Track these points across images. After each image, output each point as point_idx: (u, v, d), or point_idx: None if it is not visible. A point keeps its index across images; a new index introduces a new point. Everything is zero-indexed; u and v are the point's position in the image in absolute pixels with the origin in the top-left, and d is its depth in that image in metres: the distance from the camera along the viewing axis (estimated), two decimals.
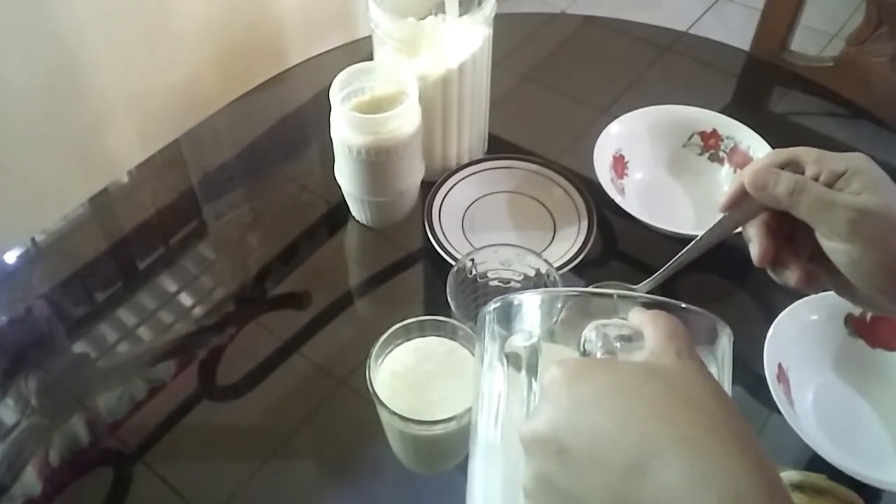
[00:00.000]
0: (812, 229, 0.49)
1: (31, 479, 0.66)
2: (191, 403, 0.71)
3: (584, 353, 0.41)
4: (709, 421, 0.33)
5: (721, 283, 0.79)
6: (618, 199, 0.78)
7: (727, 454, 0.32)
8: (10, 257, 0.82)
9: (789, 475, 0.58)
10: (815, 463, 0.60)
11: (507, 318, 0.44)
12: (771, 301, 0.73)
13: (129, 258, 0.85)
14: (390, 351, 0.59)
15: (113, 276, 0.82)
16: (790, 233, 0.52)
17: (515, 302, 0.43)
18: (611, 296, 0.42)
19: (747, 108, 0.99)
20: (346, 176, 0.79)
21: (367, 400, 0.58)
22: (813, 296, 0.69)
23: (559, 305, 0.43)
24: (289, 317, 0.78)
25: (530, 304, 0.43)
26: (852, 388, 0.69)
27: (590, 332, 0.41)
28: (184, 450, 0.68)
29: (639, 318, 0.39)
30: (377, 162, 0.75)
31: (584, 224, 0.79)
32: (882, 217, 0.46)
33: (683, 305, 0.41)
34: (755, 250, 0.52)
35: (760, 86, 1.06)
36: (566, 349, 0.42)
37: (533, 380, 0.42)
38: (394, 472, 0.64)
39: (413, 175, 0.80)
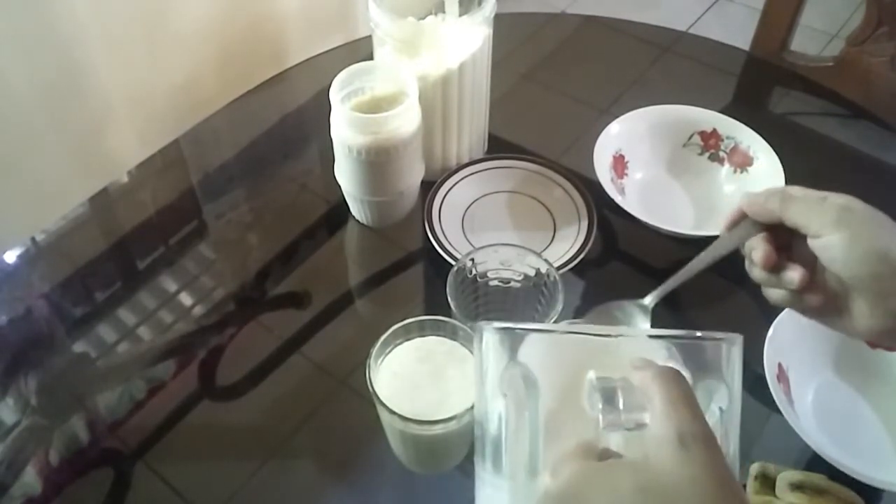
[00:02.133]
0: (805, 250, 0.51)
1: (31, 479, 0.66)
2: (191, 403, 0.71)
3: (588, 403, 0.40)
4: None
5: (721, 283, 0.79)
6: (618, 199, 0.78)
7: None
8: (10, 257, 0.82)
9: (789, 475, 0.58)
10: (815, 463, 0.60)
11: (506, 344, 0.43)
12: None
13: (129, 258, 0.85)
14: (390, 351, 0.59)
15: (113, 276, 0.82)
16: (787, 255, 0.54)
17: (516, 332, 0.43)
18: (615, 336, 0.42)
19: (747, 108, 0.99)
20: (346, 176, 0.79)
21: (367, 400, 0.58)
22: None
23: (559, 339, 0.43)
24: (289, 317, 0.78)
25: (530, 339, 0.43)
26: (852, 388, 0.69)
27: (593, 392, 0.40)
28: (184, 450, 0.68)
29: (642, 378, 0.38)
30: (377, 162, 0.75)
31: (584, 224, 0.79)
32: (863, 211, 0.50)
33: (695, 334, 0.41)
34: (759, 254, 0.54)
35: (760, 86, 1.06)
36: (565, 385, 0.42)
37: (532, 415, 0.42)
38: (394, 472, 0.64)
39: (413, 175, 0.80)
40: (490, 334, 0.43)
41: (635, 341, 0.44)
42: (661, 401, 0.37)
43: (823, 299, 0.52)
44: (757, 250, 0.54)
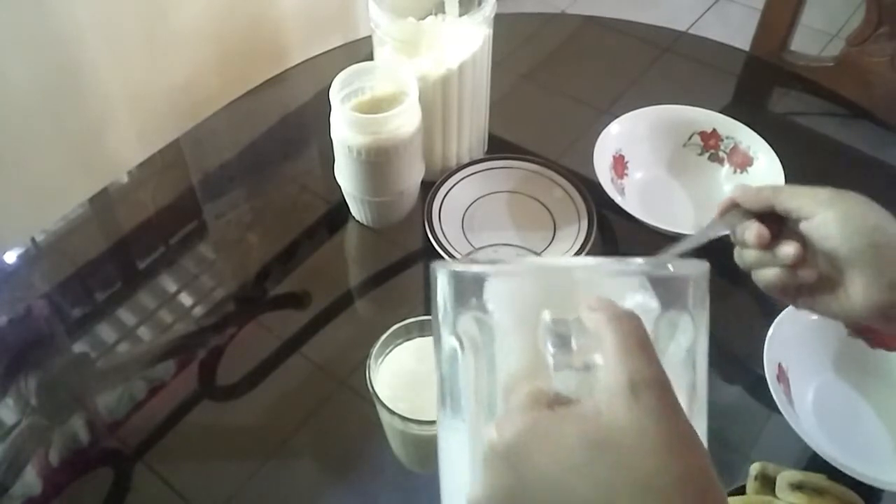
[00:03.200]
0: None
1: (31, 479, 0.66)
2: (191, 403, 0.71)
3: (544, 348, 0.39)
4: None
5: (721, 283, 0.79)
6: (618, 199, 0.78)
7: None
8: (10, 257, 0.82)
9: (789, 475, 0.58)
10: (815, 463, 0.60)
11: (459, 290, 0.41)
12: (771, 301, 0.73)
13: (129, 258, 0.85)
14: (390, 351, 0.59)
15: (113, 276, 0.82)
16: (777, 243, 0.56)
17: (469, 275, 0.41)
18: (569, 271, 0.42)
19: (747, 108, 0.99)
20: (346, 176, 0.79)
21: (367, 400, 0.58)
22: None
23: (517, 279, 0.42)
24: (289, 317, 0.78)
25: (485, 281, 0.41)
26: (852, 388, 0.69)
27: (546, 333, 0.39)
28: (184, 450, 0.68)
29: (593, 320, 0.37)
30: (377, 162, 0.75)
31: (584, 224, 0.79)
32: (856, 195, 0.52)
33: (642, 261, 0.40)
34: (752, 232, 0.55)
35: (760, 86, 1.06)
36: (521, 327, 0.40)
37: (489, 358, 0.40)
38: (394, 472, 0.64)
39: (413, 175, 0.80)
40: (444, 276, 0.41)
41: (599, 276, 0.42)
42: (614, 346, 0.35)
43: (817, 274, 0.53)
44: (750, 230, 0.55)
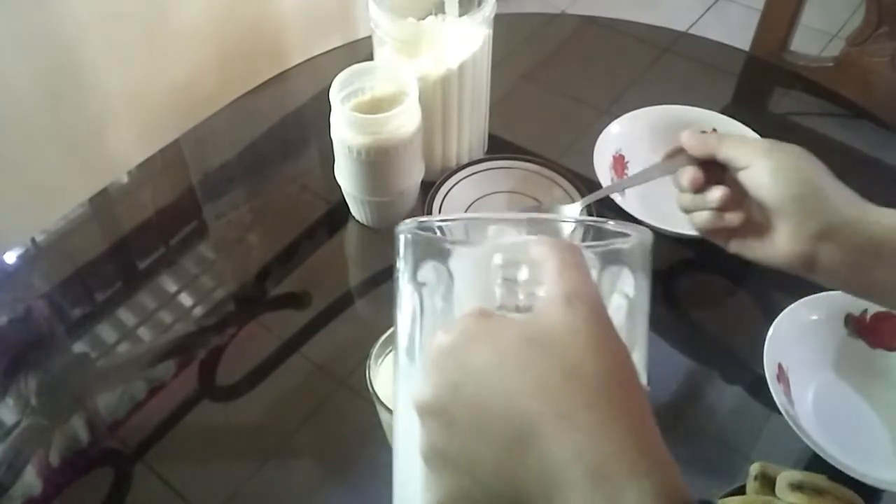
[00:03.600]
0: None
1: (31, 479, 0.66)
2: (191, 403, 0.71)
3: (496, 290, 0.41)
4: (586, 393, 0.34)
5: (721, 283, 0.79)
6: (618, 200, 0.78)
7: (599, 426, 0.33)
8: (10, 257, 0.82)
9: (789, 475, 0.58)
10: (815, 463, 0.60)
11: (420, 243, 0.43)
12: (771, 301, 0.73)
13: (129, 258, 0.85)
14: (390, 351, 0.59)
15: (113, 276, 0.82)
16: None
17: (429, 227, 0.44)
18: (523, 220, 0.45)
19: (747, 108, 0.99)
20: (346, 176, 0.79)
21: (367, 400, 0.58)
22: (813, 296, 0.69)
23: (471, 230, 0.45)
24: (289, 317, 0.78)
25: (444, 233, 0.44)
26: (852, 388, 0.69)
27: (496, 272, 0.41)
28: (184, 450, 0.68)
29: (538, 250, 0.39)
30: (377, 162, 0.75)
31: None
32: (794, 147, 0.56)
33: (605, 222, 0.43)
34: (686, 175, 0.60)
35: (760, 86, 1.06)
36: (476, 275, 0.43)
37: (445, 301, 0.43)
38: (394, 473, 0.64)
39: (413, 175, 0.80)
40: (406, 230, 0.43)
41: (549, 225, 0.46)
42: (554, 266, 0.38)
43: (744, 217, 0.58)
44: (685, 174, 0.60)
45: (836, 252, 0.53)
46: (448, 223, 0.44)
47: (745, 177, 0.56)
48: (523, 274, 0.41)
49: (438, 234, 0.44)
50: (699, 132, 0.61)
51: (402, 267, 0.43)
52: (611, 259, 0.42)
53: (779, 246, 0.56)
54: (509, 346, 0.36)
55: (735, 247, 0.60)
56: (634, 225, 0.43)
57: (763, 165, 0.55)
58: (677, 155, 0.62)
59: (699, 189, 0.59)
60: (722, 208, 0.58)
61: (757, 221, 0.57)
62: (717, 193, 0.58)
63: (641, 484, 0.32)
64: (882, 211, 0.53)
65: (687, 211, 0.61)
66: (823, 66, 1.10)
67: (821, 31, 2.12)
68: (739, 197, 0.58)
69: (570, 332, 0.36)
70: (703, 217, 0.60)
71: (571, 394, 0.34)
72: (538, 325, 0.36)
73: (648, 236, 0.42)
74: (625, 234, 0.43)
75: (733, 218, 0.58)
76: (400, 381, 0.43)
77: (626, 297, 0.42)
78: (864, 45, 1.07)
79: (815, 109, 1.01)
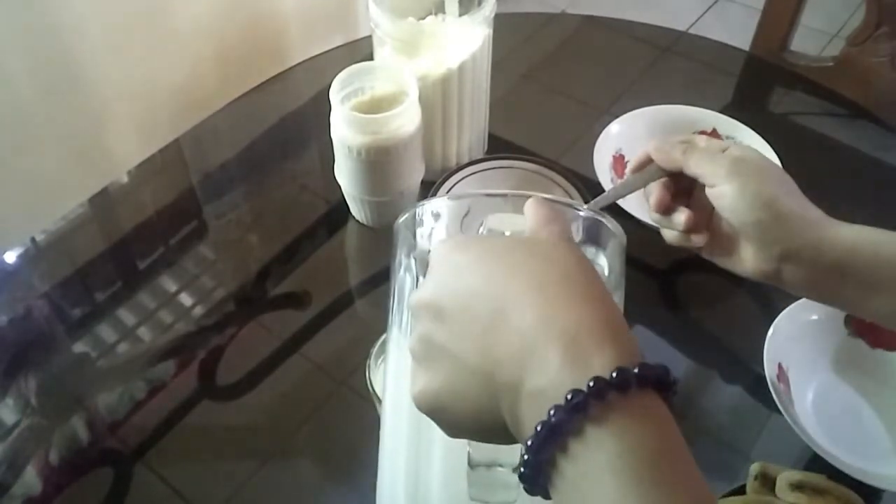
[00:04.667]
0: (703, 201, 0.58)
1: (31, 479, 0.66)
2: (191, 403, 0.71)
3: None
4: (563, 275, 0.37)
5: (721, 283, 0.79)
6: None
7: (572, 299, 0.35)
8: (10, 257, 0.82)
9: (789, 475, 0.58)
10: (815, 463, 0.60)
11: (415, 226, 0.46)
12: (771, 301, 0.73)
13: (129, 258, 0.85)
14: None
15: (113, 276, 0.82)
16: (688, 199, 0.61)
17: (421, 210, 0.46)
18: (504, 195, 0.47)
19: (747, 108, 0.99)
20: (346, 176, 0.79)
21: (367, 400, 0.58)
22: None
23: (465, 210, 0.47)
24: (289, 317, 0.78)
25: (437, 211, 0.46)
26: (852, 388, 0.69)
27: (484, 225, 0.45)
28: (184, 450, 0.68)
29: (525, 209, 0.42)
30: (377, 162, 0.75)
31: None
32: (756, 162, 0.56)
33: (580, 208, 0.44)
34: (653, 198, 0.61)
35: (760, 86, 1.06)
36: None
37: None
38: None
39: (413, 175, 0.80)
40: (407, 212, 0.46)
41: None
42: (535, 217, 0.40)
43: (707, 238, 0.59)
44: (653, 195, 0.61)
45: (799, 272, 0.54)
46: (443, 200, 0.47)
47: (711, 195, 0.57)
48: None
49: (432, 220, 0.46)
50: (665, 143, 0.60)
51: (396, 253, 0.47)
52: (591, 242, 0.44)
53: (745, 261, 0.57)
54: (498, 244, 0.40)
55: (707, 255, 0.61)
56: (610, 218, 0.44)
57: (725, 189, 0.55)
58: (648, 165, 0.62)
59: (665, 211, 0.60)
60: (687, 231, 0.60)
61: (726, 234, 0.58)
62: (681, 217, 0.59)
63: (607, 350, 0.33)
64: (844, 232, 0.53)
65: (659, 225, 0.63)
66: (823, 65, 1.10)
67: (821, 31, 2.12)
68: (707, 212, 0.59)
69: (553, 244, 0.39)
70: (671, 235, 0.62)
71: (548, 272, 0.37)
72: (521, 238, 0.41)
73: (622, 235, 0.44)
74: (601, 223, 0.44)
75: (698, 240, 0.59)
76: (391, 353, 0.46)
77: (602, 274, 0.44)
78: (864, 44, 1.07)
79: (815, 109, 1.01)
